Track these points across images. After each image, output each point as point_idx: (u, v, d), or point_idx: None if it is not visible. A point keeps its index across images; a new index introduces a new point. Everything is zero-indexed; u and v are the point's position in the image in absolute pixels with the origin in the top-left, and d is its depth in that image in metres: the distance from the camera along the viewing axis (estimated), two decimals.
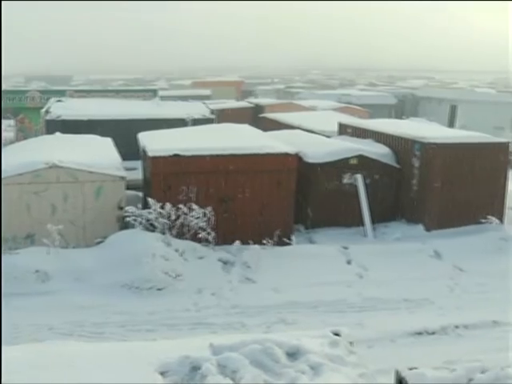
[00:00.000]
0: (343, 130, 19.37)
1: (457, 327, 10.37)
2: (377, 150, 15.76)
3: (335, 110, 29.46)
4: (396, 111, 33.78)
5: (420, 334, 10.12)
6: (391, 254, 13.30)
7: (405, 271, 12.57)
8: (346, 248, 13.52)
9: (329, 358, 4.77)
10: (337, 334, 5.28)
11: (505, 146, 15.53)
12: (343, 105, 32.75)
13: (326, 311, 10.85)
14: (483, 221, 14.85)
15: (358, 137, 17.68)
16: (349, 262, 12.98)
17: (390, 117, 32.59)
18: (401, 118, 31.94)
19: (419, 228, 14.98)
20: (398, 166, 15.65)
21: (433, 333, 10.17)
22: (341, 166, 14.98)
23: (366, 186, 15.02)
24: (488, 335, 10.08)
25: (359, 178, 15.00)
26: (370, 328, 10.10)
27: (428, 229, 14.90)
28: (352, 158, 15.11)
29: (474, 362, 4.08)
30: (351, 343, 5.24)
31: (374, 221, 14.92)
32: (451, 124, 32.74)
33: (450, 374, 3.92)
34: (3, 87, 33.58)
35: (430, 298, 11.55)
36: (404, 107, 36.21)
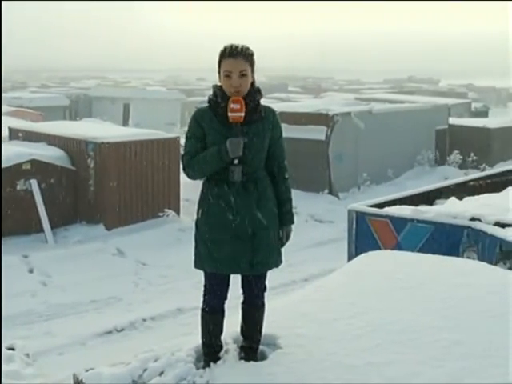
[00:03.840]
0: (14, 134, 18.60)
1: (145, 320, 10.60)
2: (51, 154, 15.42)
3: (6, 114, 28.13)
4: (70, 112, 33.34)
5: (110, 332, 10.14)
6: (74, 257, 13.13)
7: (89, 272, 12.49)
8: (26, 256, 13.01)
9: (5, 374, 4.56)
10: (11, 349, 5.07)
11: (175, 140, 16.25)
12: (14, 108, 31.42)
13: (13, 325, 10.29)
14: (161, 214, 15.42)
15: (30, 141, 17.10)
16: (31, 271, 12.52)
17: (64, 118, 32.07)
18: (75, 119, 31.63)
19: (100, 228, 14.98)
20: (73, 167, 15.50)
21: (122, 329, 10.25)
22: (13, 172, 14.35)
23: (42, 190, 14.62)
24: (174, 323, 10.48)
25: (34, 183, 14.53)
26: (59, 335, 9.85)
27: (109, 228, 14.97)
28: (24, 163, 14.56)
29: (149, 352, 4.20)
30: (27, 355, 5.07)
31: (53, 225, 14.57)
32: (125, 122, 33.32)
33: (125, 369, 3.99)
34: None
35: (117, 296, 11.64)
36: (78, 108, 35.90)
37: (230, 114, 3.90)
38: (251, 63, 4.00)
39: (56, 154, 15.56)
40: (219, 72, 4.00)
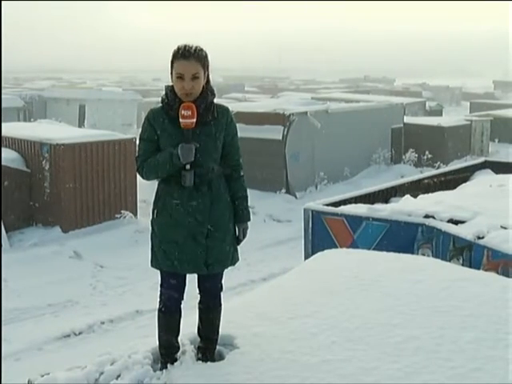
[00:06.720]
0: None
1: (103, 323, 10.53)
2: (5, 156, 15.20)
3: None
4: (24, 114, 32.73)
5: (68, 336, 10.07)
6: (30, 261, 12.99)
7: (46, 276, 12.37)
8: None
9: None
10: None
11: (131, 141, 16.15)
12: None
13: None
14: (118, 216, 15.31)
15: None
16: None
17: (18, 120, 31.51)
18: (29, 120, 31.10)
19: (56, 230, 14.83)
20: (28, 170, 15.30)
21: (80, 333, 10.18)
22: None
23: None
24: (133, 325, 10.43)
25: None
26: (16, 341, 9.71)
27: (65, 230, 14.84)
28: None
29: (105, 355, 4.17)
30: None
31: (8, 229, 14.35)
32: (81, 124, 32.89)
33: (81, 373, 3.95)
34: None
35: (75, 299, 11.54)
36: (32, 109, 35.29)
37: (181, 121, 3.85)
38: (204, 65, 3.92)
39: (10, 157, 15.35)
40: (171, 72, 3.95)
